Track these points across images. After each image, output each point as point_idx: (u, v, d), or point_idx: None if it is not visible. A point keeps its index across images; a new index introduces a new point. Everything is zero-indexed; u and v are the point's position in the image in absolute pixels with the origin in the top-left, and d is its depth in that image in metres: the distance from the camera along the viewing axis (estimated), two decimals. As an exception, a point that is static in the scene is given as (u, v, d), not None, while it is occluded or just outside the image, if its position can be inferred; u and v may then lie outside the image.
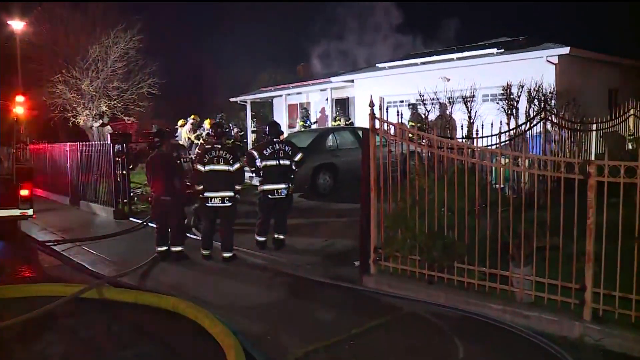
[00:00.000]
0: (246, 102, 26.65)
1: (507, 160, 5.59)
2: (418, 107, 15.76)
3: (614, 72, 16.62)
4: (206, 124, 16.63)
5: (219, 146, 7.79)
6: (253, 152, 8.25)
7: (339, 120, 18.09)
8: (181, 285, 6.77)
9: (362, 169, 6.27)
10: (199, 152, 8.88)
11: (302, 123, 18.88)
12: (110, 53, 18.98)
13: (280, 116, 23.06)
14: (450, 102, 7.74)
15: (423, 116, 15.86)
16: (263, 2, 41.08)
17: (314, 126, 19.16)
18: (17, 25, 18.40)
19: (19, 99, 9.76)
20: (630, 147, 10.94)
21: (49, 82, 18.37)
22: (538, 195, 5.04)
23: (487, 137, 7.15)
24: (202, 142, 13.05)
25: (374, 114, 6.12)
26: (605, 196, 4.60)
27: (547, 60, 13.57)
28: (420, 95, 7.73)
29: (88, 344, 5.00)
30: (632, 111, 11.53)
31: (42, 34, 18.68)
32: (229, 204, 7.71)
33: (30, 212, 9.57)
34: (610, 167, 4.49)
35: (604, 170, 4.50)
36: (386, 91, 17.76)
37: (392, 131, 5.99)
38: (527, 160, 5.53)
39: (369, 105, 6.16)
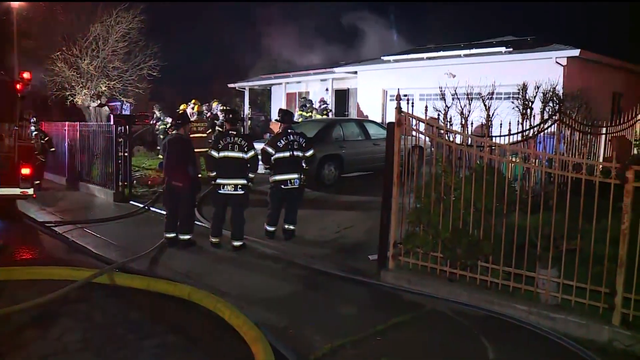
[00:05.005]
0: (244, 88, 26.36)
1: (538, 161, 5.52)
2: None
3: (619, 76, 16.62)
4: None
5: (234, 132, 7.64)
6: (268, 148, 7.95)
7: (309, 112, 16.71)
8: (193, 274, 6.65)
9: (386, 162, 6.17)
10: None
11: (300, 112, 18.58)
12: (112, 32, 18.60)
13: (279, 105, 22.83)
14: (469, 99, 7.65)
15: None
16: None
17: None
18: (14, -1, 18.04)
19: (26, 75, 9.46)
20: (636, 152, 10.98)
21: (47, 59, 17.95)
22: (564, 197, 4.99)
23: (507, 135, 7.08)
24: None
25: (400, 108, 6.02)
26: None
27: (556, 62, 13.53)
28: (440, 90, 7.65)
29: (106, 332, 4.85)
30: (639, 116, 11.54)
31: (41, 9, 18.23)
32: (241, 192, 7.58)
33: (30, 191, 9.34)
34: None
35: (644, 176, 4.46)
36: (390, 84, 17.60)
37: (421, 127, 5.89)
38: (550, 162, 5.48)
39: (396, 99, 6.06)
